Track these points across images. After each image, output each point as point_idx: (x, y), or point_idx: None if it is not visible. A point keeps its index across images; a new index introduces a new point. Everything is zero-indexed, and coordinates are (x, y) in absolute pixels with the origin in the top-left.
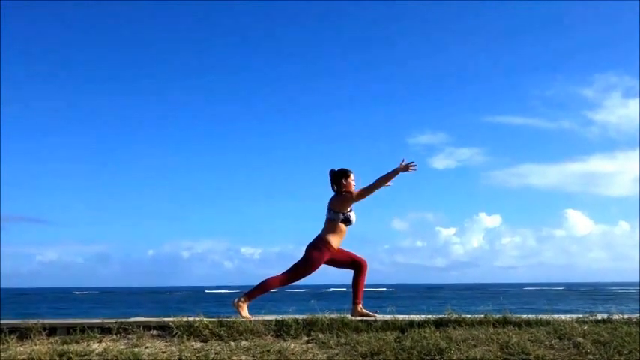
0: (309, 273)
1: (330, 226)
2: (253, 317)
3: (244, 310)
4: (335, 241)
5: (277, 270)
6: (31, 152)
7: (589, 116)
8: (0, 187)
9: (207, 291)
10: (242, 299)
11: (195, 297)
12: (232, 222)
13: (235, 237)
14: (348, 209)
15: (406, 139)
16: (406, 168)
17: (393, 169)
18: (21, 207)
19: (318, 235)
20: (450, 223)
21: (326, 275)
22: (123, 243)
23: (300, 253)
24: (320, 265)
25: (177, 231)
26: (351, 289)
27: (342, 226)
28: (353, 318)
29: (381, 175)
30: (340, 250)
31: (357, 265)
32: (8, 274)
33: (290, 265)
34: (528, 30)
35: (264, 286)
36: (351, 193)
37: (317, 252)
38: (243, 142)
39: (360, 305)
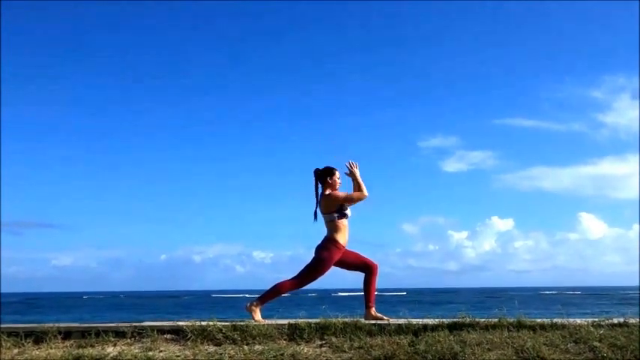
0: (321, 275)
1: (332, 226)
2: (266, 321)
3: (257, 315)
4: (342, 238)
5: (289, 274)
6: (45, 157)
7: (599, 118)
8: (0, 190)
9: (213, 295)
10: (255, 303)
11: (204, 301)
12: (244, 226)
13: (247, 241)
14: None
15: (417, 142)
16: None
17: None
18: (35, 213)
19: (325, 237)
20: (462, 226)
21: (333, 279)
22: (136, 248)
23: (311, 256)
24: (331, 266)
25: (189, 236)
26: (360, 293)
27: (343, 221)
28: (366, 322)
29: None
30: (350, 252)
31: (367, 267)
32: (24, 279)
33: (301, 269)
34: (537, 32)
35: (276, 291)
36: (337, 195)
37: (327, 253)
38: (253, 145)
39: (373, 309)
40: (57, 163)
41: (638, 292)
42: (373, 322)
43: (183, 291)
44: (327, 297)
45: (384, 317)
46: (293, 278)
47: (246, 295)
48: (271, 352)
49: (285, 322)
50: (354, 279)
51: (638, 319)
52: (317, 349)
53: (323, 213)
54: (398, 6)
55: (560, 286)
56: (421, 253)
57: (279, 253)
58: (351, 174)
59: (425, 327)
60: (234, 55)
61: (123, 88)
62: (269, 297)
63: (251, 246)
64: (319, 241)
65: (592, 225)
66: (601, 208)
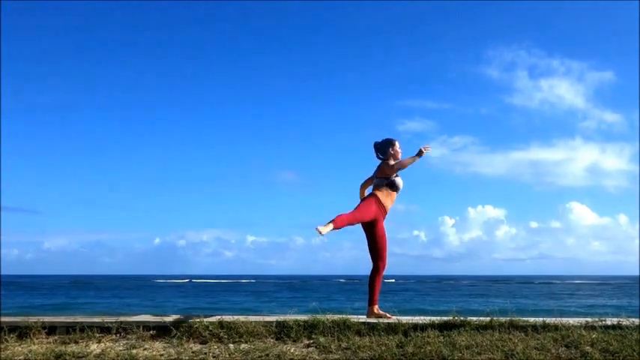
0: (364, 218)
1: (379, 188)
2: (275, 317)
3: (327, 228)
4: (385, 200)
5: (276, 260)
6: (35, 144)
7: (506, 101)
8: (0, 177)
9: (179, 281)
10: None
11: (195, 286)
12: (237, 212)
13: (240, 227)
14: (393, 175)
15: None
16: (420, 152)
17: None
18: (25, 199)
19: (369, 193)
20: (451, 214)
21: (333, 265)
22: (129, 232)
23: (299, 243)
24: (371, 213)
25: (183, 220)
26: (356, 280)
27: (389, 190)
28: (355, 321)
29: (409, 157)
30: (382, 230)
31: (378, 259)
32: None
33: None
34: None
35: (339, 222)
36: (388, 163)
37: (368, 200)
38: (241, 133)
39: (376, 307)
40: (46, 149)
41: (626, 281)
42: (363, 321)
43: (177, 275)
44: (328, 284)
45: (387, 315)
46: (348, 213)
47: (236, 281)
48: (256, 352)
49: (273, 319)
50: (352, 266)
51: (631, 321)
52: (304, 349)
53: (376, 177)
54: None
55: (549, 274)
56: (407, 240)
57: (273, 239)
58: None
59: (415, 327)
60: (228, 46)
61: (118, 72)
62: (339, 224)
63: (244, 231)
64: (309, 230)
65: (580, 214)
66: (590, 196)
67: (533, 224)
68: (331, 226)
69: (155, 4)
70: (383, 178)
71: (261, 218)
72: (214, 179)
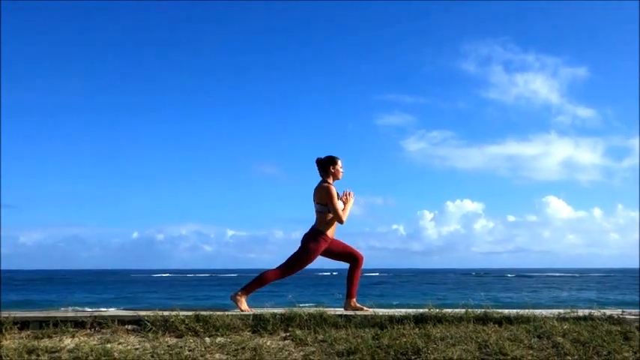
0: (306, 265)
1: (321, 217)
2: (252, 310)
3: (243, 304)
4: (329, 230)
5: (256, 254)
6: (9, 137)
7: (482, 95)
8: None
9: (157, 275)
10: (240, 293)
11: (163, 281)
12: (217, 206)
13: (220, 221)
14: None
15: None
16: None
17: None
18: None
19: (312, 227)
20: (428, 208)
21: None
22: (106, 226)
23: (278, 236)
24: (317, 256)
25: (161, 214)
26: (335, 273)
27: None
28: (332, 313)
29: (345, 210)
30: (337, 242)
31: (353, 258)
32: None
33: (287, 258)
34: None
35: (262, 280)
36: (331, 195)
37: (313, 243)
38: (221, 126)
39: (354, 300)
40: (20, 144)
41: (600, 274)
42: (340, 313)
43: (155, 269)
44: (308, 277)
45: (364, 308)
46: (278, 267)
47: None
48: (232, 345)
49: (250, 312)
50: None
51: (602, 312)
52: (280, 342)
53: (315, 202)
54: None
55: (526, 267)
56: (385, 233)
57: (253, 232)
58: (346, 200)
59: (391, 319)
60: (215, 44)
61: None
62: (254, 287)
63: (224, 225)
64: (288, 223)
65: (557, 208)
66: (567, 190)
67: (511, 218)
68: (245, 296)
69: (132, 4)
70: (324, 205)
71: (240, 212)
72: (193, 172)
